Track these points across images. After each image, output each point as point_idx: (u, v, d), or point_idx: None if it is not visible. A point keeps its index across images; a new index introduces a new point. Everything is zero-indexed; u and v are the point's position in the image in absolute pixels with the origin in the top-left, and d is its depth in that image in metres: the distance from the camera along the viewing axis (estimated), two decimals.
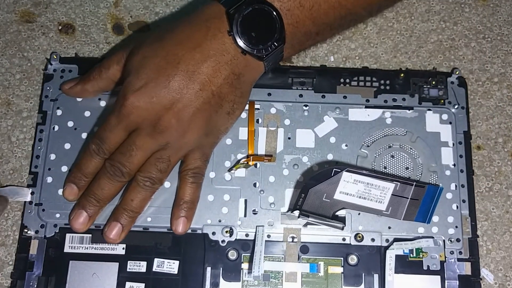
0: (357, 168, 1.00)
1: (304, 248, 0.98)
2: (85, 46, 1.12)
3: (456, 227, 0.98)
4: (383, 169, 1.01)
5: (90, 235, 0.98)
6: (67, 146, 1.02)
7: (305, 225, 0.98)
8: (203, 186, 1.00)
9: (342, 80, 1.06)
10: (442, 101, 1.04)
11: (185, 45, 0.89)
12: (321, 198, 0.94)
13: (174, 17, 1.14)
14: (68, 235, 0.98)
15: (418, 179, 1.01)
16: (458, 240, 0.97)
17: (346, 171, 0.93)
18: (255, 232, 0.98)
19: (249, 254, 0.97)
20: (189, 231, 0.98)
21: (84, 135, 1.03)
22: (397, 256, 0.96)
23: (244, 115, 1.03)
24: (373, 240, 0.98)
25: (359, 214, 0.98)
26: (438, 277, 0.96)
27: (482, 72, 1.11)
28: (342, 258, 0.97)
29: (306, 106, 1.04)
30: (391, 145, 1.03)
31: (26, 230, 0.98)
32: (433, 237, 0.97)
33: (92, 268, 0.97)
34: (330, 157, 1.02)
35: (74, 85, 1.02)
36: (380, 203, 0.94)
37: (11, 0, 1.14)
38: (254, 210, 0.99)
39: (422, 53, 1.13)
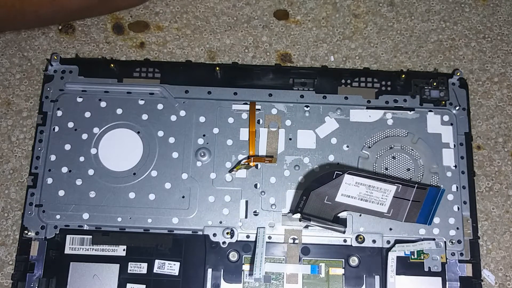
0: (359, 170, 1.00)
1: (305, 250, 0.98)
2: (85, 45, 1.12)
3: (457, 228, 0.98)
4: (384, 170, 1.01)
5: (91, 236, 0.98)
6: (67, 147, 1.02)
7: (306, 226, 0.98)
8: (204, 187, 1.00)
9: (343, 81, 1.06)
10: (443, 102, 1.04)
11: None
12: (323, 201, 0.94)
13: (174, 16, 1.14)
14: (68, 237, 0.98)
15: (419, 180, 1.01)
16: (459, 242, 0.98)
17: (347, 173, 0.93)
18: (256, 234, 0.98)
19: (250, 256, 0.97)
20: (190, 232, 0.98)
21: (84, 136, 1.02)
22: (398, 258, 0.97)
23: (245, 115, 1.03)
24: (374, 241, 0.98)
25: (360, 215, 0.98)
26: (439, 279, 0.96)
27: (482, 72, 1.11)
28: (343, 260, 0.97)
29: (307, 106, 1.04)
30: (392, 146, 1.03)
31: (26, 232, 0.97)
32: (434, 239, 0.97)
33: (92, 269, 0.97)
34: (331, 158, 1.02)
35: None
36: (382, 205, 0.94)
37: None
38: (255, 211, 0.99)
39: (422, 53, 1.13)
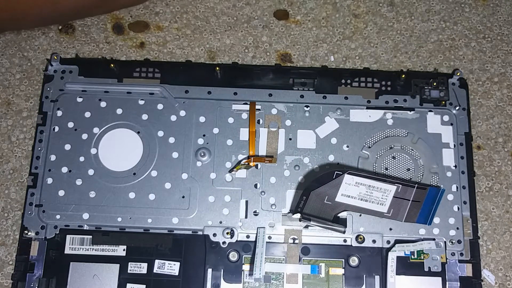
0: (359, 170, 1.00)
1: (305, 250, 0.98)
2: (85, 45, 1.12)
3: (457, 228, 0.98)
4: (384, 170, 1.01)
5: (91, 236, 0.98)
6: (67, 147, 1.02)
7: (306, 226, 0.98)
8: (204, 187, 1.00)
9: (343, 81, 1.06)
10: (443, 102, 1.04)
11: None
12: (323, 201, 0.94)
13: (174, 16, 1.14)
14: (68, 237, 0.98)
15: (419, 180, 1.01)
16: (459, 242, 0.98)
17: (347, 173, 0.93)
18: (256, 234, 0.98)
19: (250, 256, 0.97)
20: (190, 232, 0.98)
21: (84, 136, 1.02)
22: (398, 258, 0.96)
23: (245, 115, 1.03)
24: (374, 241, 0.98)
25: (360, 215, 0.98)
26: (439, 279, 0.96)
27: (482, 72, 1.11)
28: (343, 260, 0.97)
29: (307, 106, 1.04)
30: (392, 146, 1.03)
31: (26, 232, 0.97)
32: (434, 239, 0.97)
33: (92, 269, 0.97)
34: (331, 158, 1.02)
35: None
36: (382, 205, 0.94)
37: None
38: (255, 211, 0.99)
39: (422, 53, 1.13)
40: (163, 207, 0.99)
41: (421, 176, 1.01)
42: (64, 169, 1.01)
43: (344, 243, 0.98)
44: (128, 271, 0.97)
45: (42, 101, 1.04)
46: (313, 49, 1.12)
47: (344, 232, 0.95)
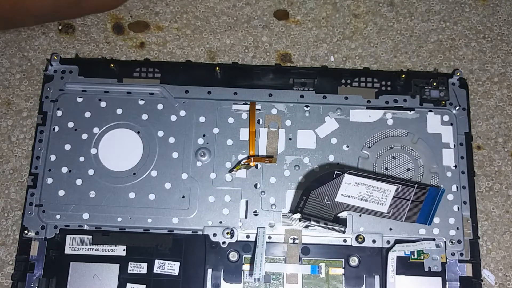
0: (359, 170, 1.00)
1: (305, 250, 0.98)
2: (85, 45, 1.12)
3: (457, 228, 0.98)
4: (384, 170, 1.01)
5: (91, 236, 0.98)
6: (67, 147, 1.02)
7: (306, 226, 0.98)
8: (204, 187, 1.00)
9: (343, 81, 1.06)
10: (443, 102, 1.04)
11: None
12: (323, 201, 0.94)
13: (174, 16, 1.14)
14: (68, 237, 0.98)
15: (419, 180, 1.01)
16: (459, 242, 0.97)
17: (347, 173, 0.93)
18: (256, 234, 0.98)
19: (250, 256, 0.97)
20: (190, 232, 0.98)
21: (84, 136, 1.02)
22: (398, 258, 0.96)
23: (245, 115, 1.03)
24: (374, 241, 0.97)
25: (360, 215, 0.98)
26: (439, 279, 0.96)
27: (482, 72, 1.11)
28: (343, 260, 0.97)
29: (307, 106, 1.04)
30: (392, 146, 1.02)
31: (26, 232, 0.97)
32: (434, 239, 0.97)
33: (92, 269, 0.97)
34: (331, 158, 1.02)
35: None
36: (382, 205, 0.94)
37: None
38: (255, 211, 0.99)
39: (422, 53, 1.12)
40: (163, 207, 0.99)
41: (421, 176, 1.01)
42: (64, 169, 1.01)
43: (344, 243, 0.98)
44: (128, 271, 0.97)
45: (42, 101, 1.04)
46: (313, 49, 1.12)
47: (344, 232, 0.95)
